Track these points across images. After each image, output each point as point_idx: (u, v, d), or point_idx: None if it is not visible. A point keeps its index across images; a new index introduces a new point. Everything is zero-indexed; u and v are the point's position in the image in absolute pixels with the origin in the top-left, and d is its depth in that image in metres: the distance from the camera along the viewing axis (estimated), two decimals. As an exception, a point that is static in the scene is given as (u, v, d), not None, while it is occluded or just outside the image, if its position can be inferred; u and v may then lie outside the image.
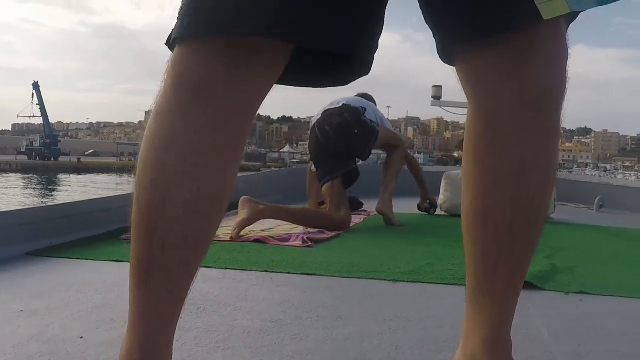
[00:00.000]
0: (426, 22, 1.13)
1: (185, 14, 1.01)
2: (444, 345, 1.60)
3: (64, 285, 2.13)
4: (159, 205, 1.01)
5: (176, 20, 1.03)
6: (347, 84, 1.18)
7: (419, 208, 5.19)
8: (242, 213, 3.56)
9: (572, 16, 1.05)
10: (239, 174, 4.62)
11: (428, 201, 5.15)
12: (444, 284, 2.36)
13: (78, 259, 2.61)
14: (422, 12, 1.12)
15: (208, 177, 1.03)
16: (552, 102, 1.07)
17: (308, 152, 4.81)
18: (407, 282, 2.39)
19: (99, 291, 2.05)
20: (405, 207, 4.99)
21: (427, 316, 1.91)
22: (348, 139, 4.30)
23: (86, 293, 2.03)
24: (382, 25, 1.12)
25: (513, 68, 1.04)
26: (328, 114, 4.37)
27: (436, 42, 1.13)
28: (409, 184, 5.09)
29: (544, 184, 1.12)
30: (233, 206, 4.23)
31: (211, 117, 1.02)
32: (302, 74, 1.12)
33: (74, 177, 48.92)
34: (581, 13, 1.05)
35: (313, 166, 4.63)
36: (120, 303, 1.86)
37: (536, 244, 1.16)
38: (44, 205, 2.99)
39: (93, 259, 2.61)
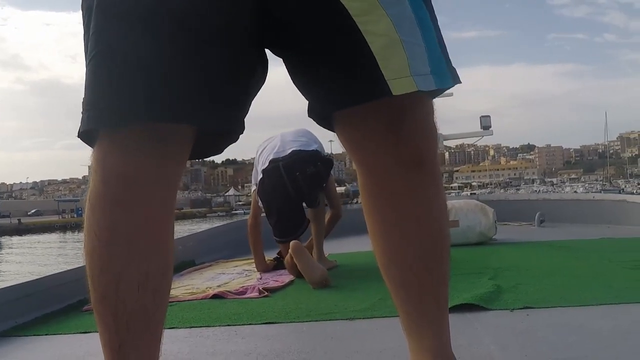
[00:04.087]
0: (300, 92, 1.29)
1: (93, 107, 1.10)
2: (401, 372, 1.69)
3: None
4: (114, 290, 1.12)
5: (82, 115, 1.12)
6: (222, 152, 1.32)
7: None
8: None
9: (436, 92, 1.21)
10: (191, 232, 4.67)
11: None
12: (397, 316, 2.47)
13: (46, 334, 2.63)
14: (294, 82, 1.29)
15: (153, 254, 1.16)
16: (429, 157, 1.25)
17: (257, 194, 4.20)
18: (363, 319, 2.50)
19: (73, 364, 2.12)
20: (355, 245, 5.07)
21: (384, 348, 2.02)
22: (315, 191, 4.07)
23: (63, 367, 2.09)
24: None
25: (389, 135, 1.20)
26: (299, 159, 3.96)
27: (312, 109, 1.28)
28: (357, 222, 5.08)
29: (440, 225, 1.30)
30: (177, 269, 4.31)
31: (145, 204, 1.14)
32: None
33: (16, 239, 47.37)
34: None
35: (261, 204, 4.20)
36: (96, 373, 1.96)
37: (449, 272, 1.33)
38: (5, 287, 3.02)
39: (60, 333, 2.64)
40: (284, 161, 3.96)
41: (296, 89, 1.29)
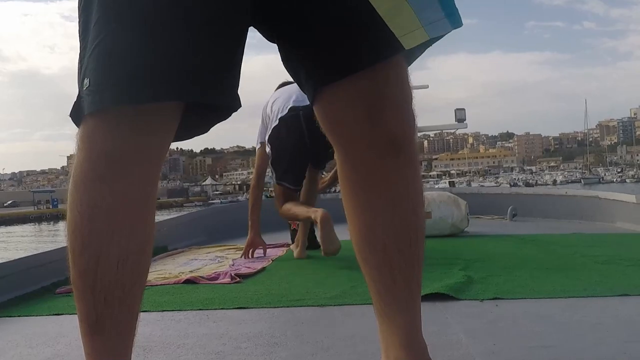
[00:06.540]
0: (291, 72, 1.32)
1: (95, 91, 1.11)
2: (372, 356, 1.72)
3: (12, 342, 2.18)
4: (94, 265, 1.13)
5: (84, 96, 1.13)
6: (208, 130, 1.32)
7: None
8: None
9: (428, 43, 1.24)
10: (165, 218, 4.66)
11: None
12: (367, 304, 2.49)
13: (19, 316, 2.63)
14: (282, 57, 1.32)
15: (133, 232, 1.17)
16: (407, 140, 1.28)
17: (269, 141, 4.16)
18: (334, 305, 2.53)
19: (47, 344, 2.12)
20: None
21: (355, 334, 2.05)
22: (328, 149, 4.18)
23: (35, 347, 2.09)
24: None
25: (367, 118, 1.24)
26: None
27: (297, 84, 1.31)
28: (334, 212, 5.03)
29: (414, 208, 1.32)
30: (157, 251, 4.32)
31: (127, 181, 1.15)
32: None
33: (-10, 231, 46.82)
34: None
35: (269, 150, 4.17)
36: (70, 352, 1.98)
37: (422, 256, 1.35)
38: None
39: (34, 315, 2.64)
40: (304, 110, 3.89)
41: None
